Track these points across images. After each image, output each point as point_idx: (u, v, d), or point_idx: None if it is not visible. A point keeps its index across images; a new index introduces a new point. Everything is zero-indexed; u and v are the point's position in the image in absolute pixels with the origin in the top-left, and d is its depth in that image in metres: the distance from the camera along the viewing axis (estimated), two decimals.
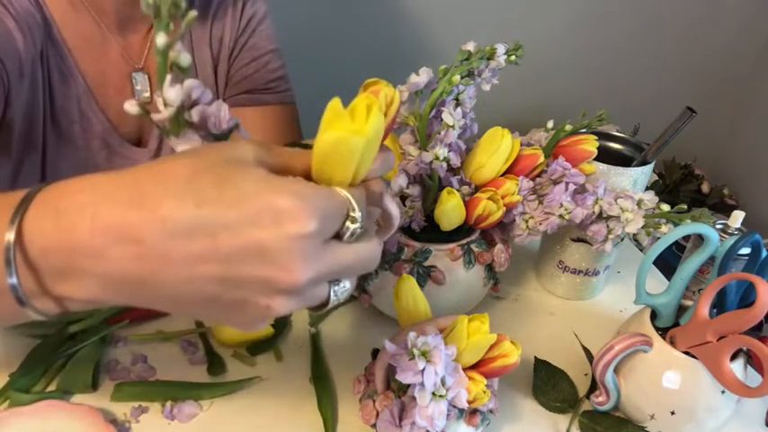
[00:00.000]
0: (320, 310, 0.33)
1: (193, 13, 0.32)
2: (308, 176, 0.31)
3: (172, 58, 0.33)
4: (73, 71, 0.62)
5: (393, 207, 0.36)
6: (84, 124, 0.65)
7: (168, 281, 0.28)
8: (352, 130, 0.29)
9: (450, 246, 0.56)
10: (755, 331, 0.47)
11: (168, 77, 0.33)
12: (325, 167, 0.31)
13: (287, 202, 0.27)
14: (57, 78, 0.62)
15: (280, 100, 0.78)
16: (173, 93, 0.33)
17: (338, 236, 0.30)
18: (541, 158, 0.58)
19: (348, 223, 0.30)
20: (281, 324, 0.62)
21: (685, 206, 0.55)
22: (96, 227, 0.28)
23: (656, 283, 0.73)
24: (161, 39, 0.32)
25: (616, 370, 0.51)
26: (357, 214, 0.30)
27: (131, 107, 0.35)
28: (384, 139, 0.33)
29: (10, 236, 0.29)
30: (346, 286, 0.33)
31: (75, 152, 0.65)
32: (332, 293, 0.32)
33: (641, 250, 0.85)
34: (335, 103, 0.29)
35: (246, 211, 0.26)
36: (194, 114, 0.35)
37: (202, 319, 0.29)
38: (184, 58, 0.33)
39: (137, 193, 0.27)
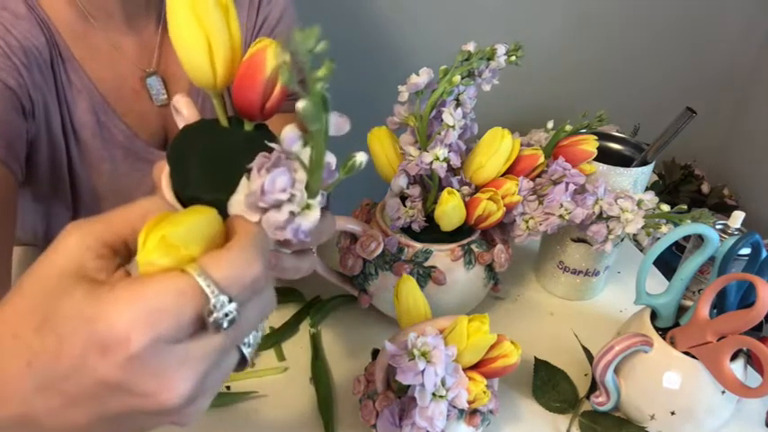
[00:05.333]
0: (243, 368, 0.29)
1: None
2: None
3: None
4: (86, 84, 0.61)
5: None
6: (105, 135, 0.64)
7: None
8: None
9: (451, 246, 0.56)
10: (755, 331, 0.47)
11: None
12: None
13: (101, 330, 0.23)
14: (72, 94, 0.61)
15: None
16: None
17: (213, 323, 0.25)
18: (541, 159, 0.58)
19: (209, 315, 0.24)
20: (284, 325, 0.62)
21: (685, 206, 0.55)
22: None
23: (656, 283, 0.73)
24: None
25: (616, 370, 0.51)
26: (216, 301, 0.24)
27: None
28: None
29: None
30: (258, 328, 0.29)
31: (101, 164, 0.65)
32: (245, 350, 0.28)
33: (641, 250, 0.85)
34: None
35: (71, 356, 0.23)
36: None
37: None
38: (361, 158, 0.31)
39: None
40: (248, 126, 0.35)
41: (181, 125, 0.37)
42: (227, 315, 0.24)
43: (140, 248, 0.24)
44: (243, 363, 0.28)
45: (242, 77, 0.33)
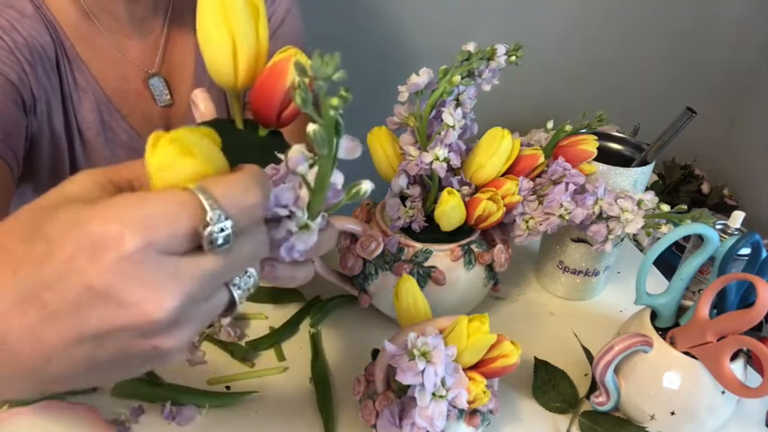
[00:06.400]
0: (231, 313, 0.28)
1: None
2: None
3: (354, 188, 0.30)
4: (91, 83, 0.62)
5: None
6: (109, 134, 0.64)
7: (29, 364, 0.24)
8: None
9: (451, 246, 0.56)
10: (755, 331, 0.47)
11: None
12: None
13: (95, 229, 0.22)
14: (77, 94, 0.62)
15: None
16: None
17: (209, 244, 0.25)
18: (541, 159, 0.58)
19: (204, 228, 0.24)
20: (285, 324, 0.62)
21: (685, 206, 0.55)
22: None
23: (656, 283, 0.73)
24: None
25: (616, 370, 0.51)
26: (213, 214, 0.24)
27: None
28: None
29: None
30: (251, 274, 0.28)
31: (103, 163, 0.65)
32: (234, 292, 0.27)
33: (641, 250, 0.85)
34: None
35: (59, 260, 0.22)
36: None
37: (103, 382, 0.24)
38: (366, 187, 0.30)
39: None
40: (262, 131, 0.35)
41: (198, 119, 0.37)
42: (222, 230, 0.24)
43: (150, 152, 0.24)
44: (232, 306, 0.28)
45: (263, 83, 0.33)
